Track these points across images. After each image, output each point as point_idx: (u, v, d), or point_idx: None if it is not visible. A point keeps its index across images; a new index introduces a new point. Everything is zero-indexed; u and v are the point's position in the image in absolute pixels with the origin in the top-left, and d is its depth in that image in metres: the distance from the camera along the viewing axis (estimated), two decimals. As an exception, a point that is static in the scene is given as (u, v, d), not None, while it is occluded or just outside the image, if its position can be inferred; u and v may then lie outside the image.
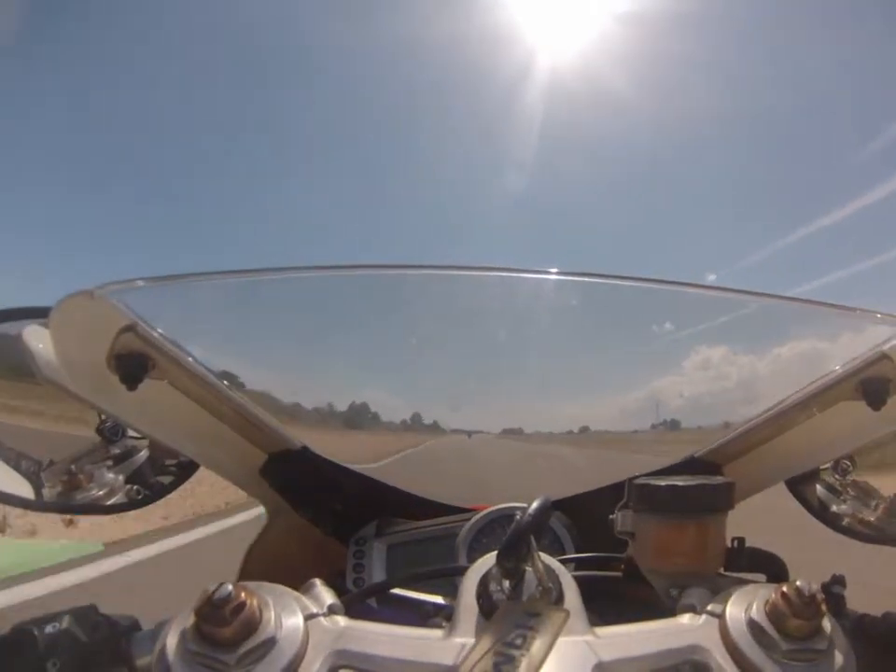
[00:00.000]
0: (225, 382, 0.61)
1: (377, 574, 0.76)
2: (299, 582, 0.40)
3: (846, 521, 0.76)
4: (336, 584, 0.57)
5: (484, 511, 0.75)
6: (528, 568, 0.37)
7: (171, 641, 0.33)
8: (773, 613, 0.35)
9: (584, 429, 0.99)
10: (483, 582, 0.38)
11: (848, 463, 0.77)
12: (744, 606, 0.36)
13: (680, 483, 0.46)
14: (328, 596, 0.39)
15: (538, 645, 0.35)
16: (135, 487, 0.73)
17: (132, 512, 0.76)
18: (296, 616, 0.35)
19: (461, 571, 0.40)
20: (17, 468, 0.68)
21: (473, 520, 0.74)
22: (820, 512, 0.76)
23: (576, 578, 0.40)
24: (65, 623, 0.35)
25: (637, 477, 0.50)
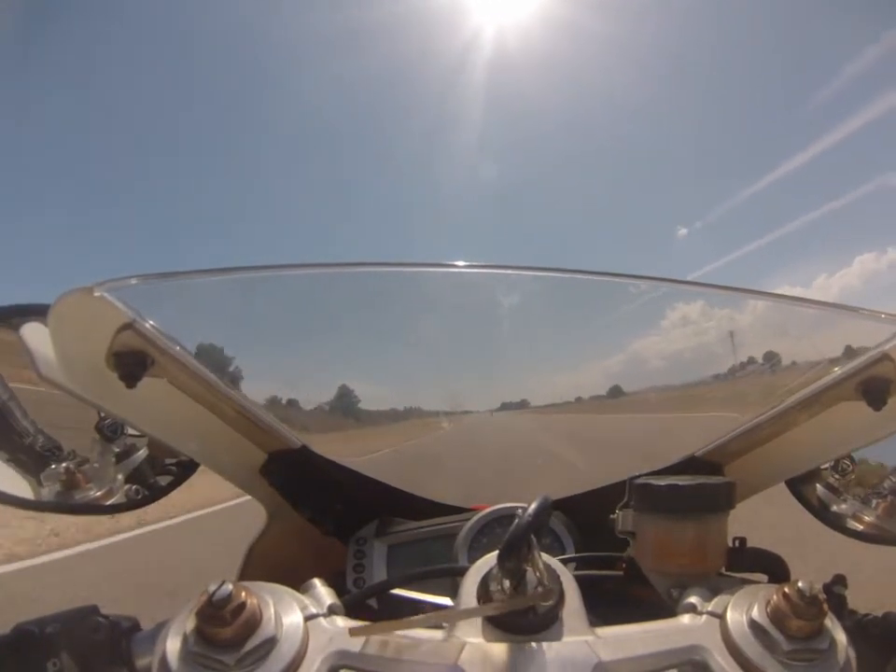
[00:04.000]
0: (224, 380, 0.61)
1: (377, 574, 0.76)
2: (299, 582, 0.40)
3: (846, 521, 0.76)
4: (336, 584, 0.57)
5: (484, 511, 0.75)
6: (529, 568, 0.37)
7: (171, 642, 0.33)
8: (774, 613, 0.35)
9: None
10: (484, 582, 0.38)
11: (849, 463, 0.77)
12: (745, 606, 0.36)
13: (681, 483, 0.46)
14: (328, 597, 0.39)
15: (538, 645, 0.35)
16: (135, 487, 0.73)
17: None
18: (296, 616, 0.35)
19: (462, 571, 0.40)
20: (34, 445, 0.68)
21: (473, 520, 0.74)
22: (821, 512, 0.76)
23: (576, 578, 0.40)
24: (66, 623, 0.35)
25: (637, 477, 0.50)
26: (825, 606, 0.34)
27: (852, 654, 0.35)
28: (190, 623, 0.32)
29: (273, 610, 0.34)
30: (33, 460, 0.69)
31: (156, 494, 0.75)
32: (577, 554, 0.71)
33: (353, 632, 0.34)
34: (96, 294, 0.48)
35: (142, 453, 0.75)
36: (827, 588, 0.42)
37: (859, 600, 0.44)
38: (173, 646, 0.33)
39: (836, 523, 0.76)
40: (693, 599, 0.40)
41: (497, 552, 0.37)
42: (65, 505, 0.70)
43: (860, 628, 0.40)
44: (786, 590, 0.35)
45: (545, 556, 0.39)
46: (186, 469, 0.76)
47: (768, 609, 0.35)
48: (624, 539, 0.51)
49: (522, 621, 0.35)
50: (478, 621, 0.36)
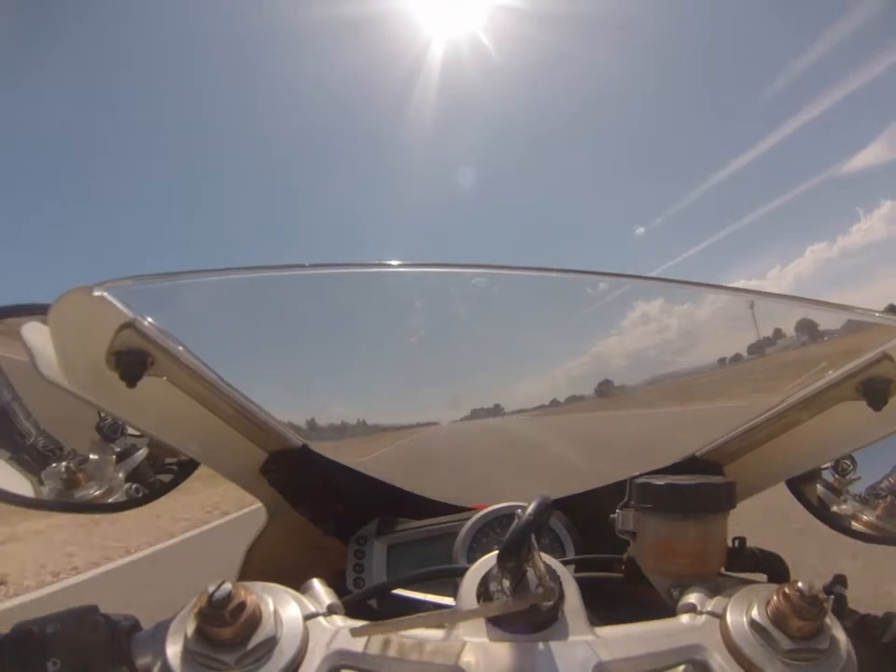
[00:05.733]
0: (224, 379, 0.61)
1: (377, 574, 0.76)
2: (299, 582, 0.40)
3: (846, 521, 0.76)
4: (336, 584, 0.57)
5: (484, 511, 0.75)
6: (529, 569, 0.37)
7: (171, 641, 0.33)
8: (774, 613, 0.35)
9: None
10: (484, 583, 0.38)
11: (849, 463, 0.77)
12: (745, 606, 0.36)
13: (682, 483, 0.46)
14: (327, 596, 0.39)
15: (539, 645, 0.35)
16: (135, 486, 0.73)
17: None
18: (296, 616, 0.35)
19: (461, 572, 0.40)
20: (36, 445, 0.68)
21: (473, 519, 0.74)
22: (821, 512, 0.76)
23: (577, 578, 0.40)
24: (66, 623, 0.35)
25: (637, 476, 0.50)
26: (825, 605, 0.34)
27: (853, 654, 0.35)
28: (191, 623, 0.32)
29: (272, 610, 0.34)
30: (35, 461, 0.69)
31: (156, 492, 0.75)
32: (577, 556, 0.71)
33: (354, 632, 0.34)
34: (96, 294, 0.47)
35: (142, 452, 0.75)
36: (827, 588, 0.42)
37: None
38: (173, 646, 0.33)
39: (836, 523, 0.76)
40: (692, 599, 0.40)
41: (496, 551, 0.37)
42: (66, 503, 0.70)
43: (860, 628, 0.40)
44: (786, 590, 0.35)
45: (545, 556, 0.39)
46: (186, 469, 0.76)
47: (768, 609, 0.35)
48: (624, 539, 0.51)
49: (522, 621, 0.35)
50: (479, 620, 0.36)
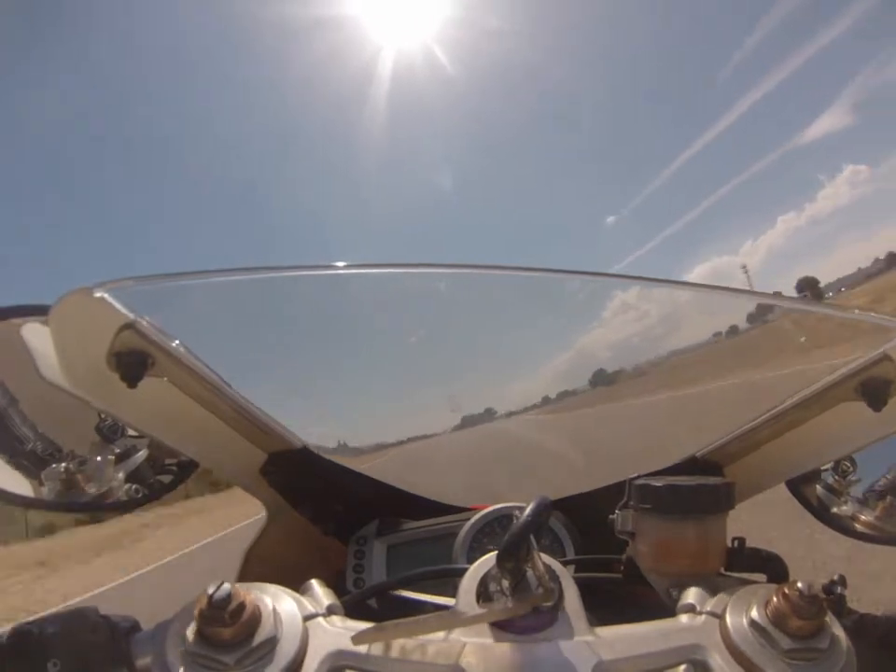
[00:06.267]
0: (225, 380, 0.61)
1: (377, 574, 0.76)
2: (299, 583, 0.40)
3: (846, 521, 0.75)
4: (336, 585, 0.57)
5: (484, 511, 0.75)
6: (528, 569, 0.37)
7: (171, 642, 0.33)
8: (774, 613, 0.35)
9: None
10: (484, 583, 0.38)
11: (849, 464, 0.77)
12: (745, 606, 0.36)
13: (681, 484, 0.46)
14: (327, 597, 0.39)
15: (538, 645, 0.35)
16: (135, 486, 0.73)
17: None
18: (295, 616, 0.35)
19: (461, 572, 0.40)
20: (35, 450, 0.68)
21: (473, 520, 0.74)
22: (821, 513, 0.76)
23: (576, 578, 0.40)
24: (66, 623, 0.35)
25: (637, 477, 0.50)
26: (825, 605, 0.34)
27: (852, 653, 0.35)
28: (190, 624, 0.32)
29: (272, 611, 0.34)
30: (34, 465, 0.69)
31: (156, 493, 0.75)
32: (576, 556, 0.71)
33: (356, 639, 0.34)
34: (97, 294, 0.48)
35: (142, 453, 0.75)
36: (826, 588, 0.42)
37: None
38: (173, 646, 0.33)
39: (836, 523, 0.76)
40: (692, 599, 0.40)
41: (496, 552, 0.37)
42: (66, 504, 0.70)
43: (859, 628, 0.40)
44: (785, 589, 0.35)
45: (545, 557, 0.39)
46: (186, 469, 0.76)
47: (768, 609, 0.35)
48: (624, 540, 0.51)
49: (522, 621, 0.35)
50: None
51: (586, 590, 0.39)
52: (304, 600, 0.37)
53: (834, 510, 0.77)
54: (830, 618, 0.35)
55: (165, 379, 0.57)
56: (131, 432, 0.73)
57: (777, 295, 0.62)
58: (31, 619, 0.35)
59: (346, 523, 0.79)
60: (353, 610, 0.39)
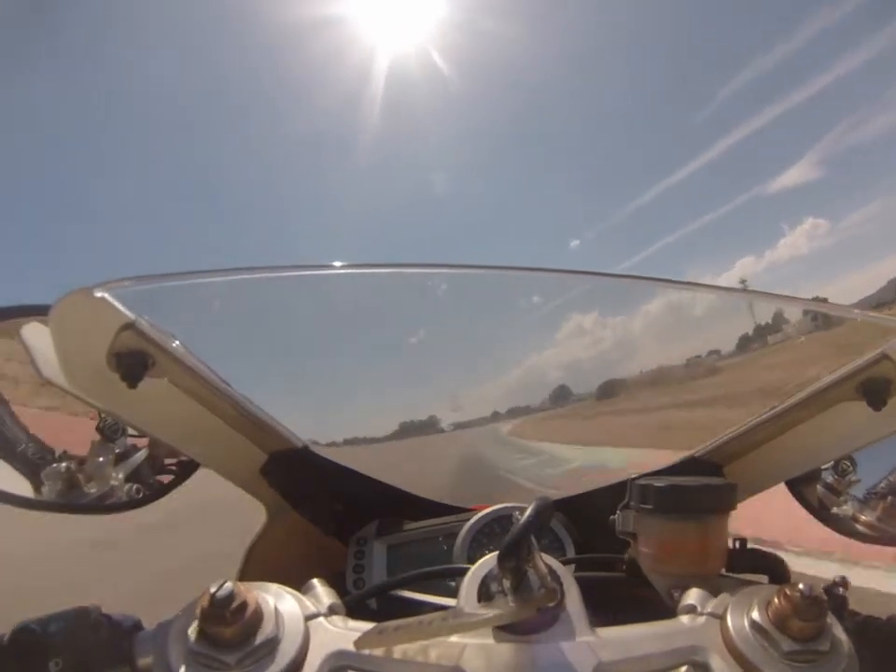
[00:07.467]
0: (225, 380, 0.61)
1: (377, 574, 0.76)
2: (299, 583, 0.40)
3: (846, 521, 0.76)
4: (336, 585, 0.57)
5: (484, 511, 0.75)
6: (529, 569, 0.37)
7: (173, 641, 0.33)
8: (775, 614, 0.35)
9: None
10: (485, 583, 0.38)
11: (849, 463, 0.77)
12: (745, 607, 0.36)
13: (683, 484, 0.46)
14: (328, 597, 0.39)
15: (539, 646, 0.35)
16: (135, 486, 0.73)
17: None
18: (297, 616, 0.35)
19: (462, 572, 0.40)
20: (26, 453, 0.67)
21: (473, 520, 0.74)
22: (821, 513, 0.76)
23: (577, 578, 0.40)
24: (68, 622, 0.35)
25: (638, 477, 0.50)
26: (826, 607, 0.34)
27: (854, 656, 0.35)
28: (192, 623, 0.32)
29: (274, 610, 0.34)
30: (26, 467, 0.68)
31: (156, 493, 0.75)
32: (577, 556, 0.71)
33: (353, 632, 0.34)
34: (97, 294, 0.47)
35: (142, 453, 0.75)
36: (828, 589, 0.42)
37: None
38: (175, 646, 0.33)
39: (836, 523, 0.76)
40: (693, 600, 0.40)
41: (497, 552, 0.37)
42: (65, 504, 0.70)
43: (861, 630, 0.40)
44: (787, 591, 0.35)
45: (545, 557, 0.39)
46: (186, 469, 0.75)
47: (769, 610, 0.35)
48: (625, 540, 0.51)
49: (523, 621, 0.35)
50: None
51: (587, 590, 0.39)
52: (306, 600, 0.37)
53: (834, 510, 0.77)
54: (831, 620, 0.35)
55: (165, 379, 0.57)
56: (131, 432, 0.73)
57: (780, 295, 0.62)
58: (32, 618, 0.35)
59: (346, 523, 0.79)
60: (353, 610, 0.39)
